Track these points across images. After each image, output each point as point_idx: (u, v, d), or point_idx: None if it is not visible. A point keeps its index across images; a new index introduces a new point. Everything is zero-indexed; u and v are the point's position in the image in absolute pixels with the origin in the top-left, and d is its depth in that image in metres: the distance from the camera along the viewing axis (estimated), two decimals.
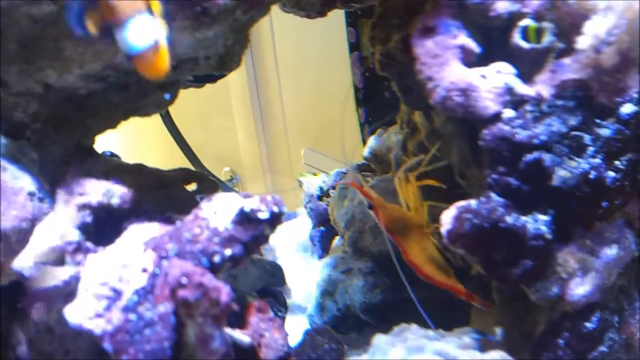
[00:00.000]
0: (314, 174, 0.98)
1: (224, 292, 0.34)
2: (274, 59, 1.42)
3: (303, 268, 0.91)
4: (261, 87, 1.47)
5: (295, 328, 0.65)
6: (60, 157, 0.47)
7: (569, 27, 0.45)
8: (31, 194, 0.40)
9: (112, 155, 0.68)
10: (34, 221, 0.39)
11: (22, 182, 0.40)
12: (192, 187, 0.63)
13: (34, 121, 0.45)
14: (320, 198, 0.93)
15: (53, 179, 0.44)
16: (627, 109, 0.43)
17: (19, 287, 0.39)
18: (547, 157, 0.43)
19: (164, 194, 0.60)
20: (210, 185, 0.63)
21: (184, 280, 0.33)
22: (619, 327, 0.47)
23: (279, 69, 1.42)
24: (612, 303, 0.47)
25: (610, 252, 0.46)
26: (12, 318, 0.42)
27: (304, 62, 1.36)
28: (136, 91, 0.51)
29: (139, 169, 0.61)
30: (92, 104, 0.50)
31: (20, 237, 0.39)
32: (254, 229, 0.37)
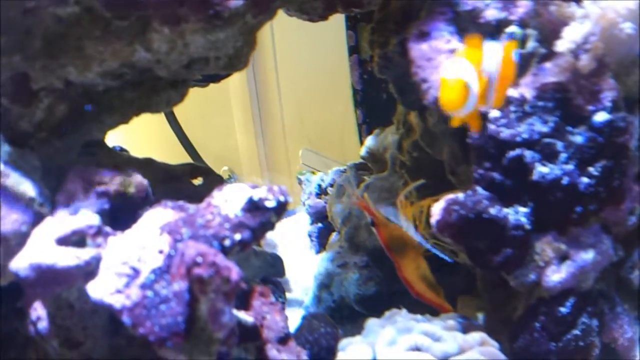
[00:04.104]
0: (313, 173, 1.02)
1: (234, 271, 0.37)
2: (274, 60, 1.45)
3: (301, 263, 0.94)
4: (260, 88, 1.50)
5: (293, 319, 0.68)
6: (67, 163, 0.50)
7: (550, 33, 0.49)
8: (32, 200, 0.42)
9: (122, 149, 0.71)
10: (33, 225, 0.41)
11: (24, 187, 0.42)
12: (198, 181, 0.67)
13: (39, 130, 0.48)
14: (318, 196, 0.96)
15: (60, 182, 0.46)
16: (600, 117, 0.47)
17: (18, 287, 0.41)
18: (528, 154, 0.46)
19: (172, 187, 0.63)
20: (215, 179, 0.66)
21: (199, 259, 0.36)
22: (599, 331, 0.50)
23: (278, 70, 1.45)
24: (591, 307, 0.50)
25: (586, 256, 0.48)
26: (12, 317, 0.45)
27: (303, 63, 1.39)
28: (149, 88, 0.55)
29: (148, 162, 0.65)
30: (108, 100, 0.53)
31: (20, 240, 0.41)
32: (262, 216, 0.40)
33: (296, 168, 1.33)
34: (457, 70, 0.43)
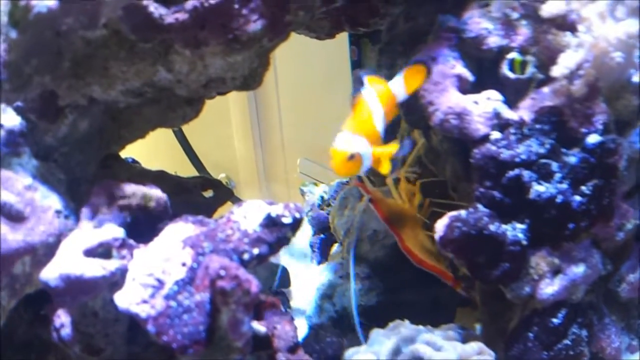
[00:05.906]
0: (316, 184, 1.04)
1: (254, 284, 0.39)
2: (274, 70, 1.48)
3: (303, 273, 0.96)
4: (260, 97, 1.52)
5: (298, 328, 0.70)
6: (85, 176, 0.52)
7: (547, 60, 0.52)
8: (58, 212, 0.44)
9: (134, 161, 0.74)
10: (59, 236, 0.43)
11: (51, 201, 0.44)
12: (208, 193, 0.69)
13: (62, 145, 0.50)
14: (320, 207, 0.99)
15: (80, 195, 0.48)
16: (592, 139, 0.50)
17: (43, 295, 0.43)
18: (525, 174, 0.49)
19: (184, 199, 0.66)
20: (225, 192, 0.69)
21: (222, 272, 0.38)
22: (588, 341, 0.53)
23: (278, 80, 1.48)
24: (581, 318, 0.52)
25: (577, 270, 0.51)
26: (35, 323, 0.47)
27: (304, 75, 1.41)
28: (166, 106, 0.57)
29: (161, 175, 0.67)
30: (128, 116, 0.56)
31: (47, 250, 0.42)
32: (279, 232, 0.43)
33: (293, 177, 1.35)
34: (348, 144, 0.48)
